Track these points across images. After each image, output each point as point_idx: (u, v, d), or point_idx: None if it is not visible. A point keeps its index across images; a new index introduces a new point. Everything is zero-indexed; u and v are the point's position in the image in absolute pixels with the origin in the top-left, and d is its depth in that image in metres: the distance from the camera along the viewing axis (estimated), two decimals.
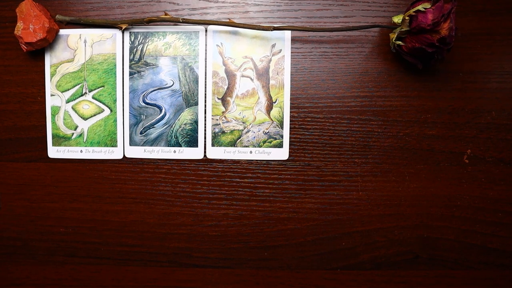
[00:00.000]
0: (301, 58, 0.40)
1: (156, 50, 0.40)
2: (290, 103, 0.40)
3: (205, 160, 0.41)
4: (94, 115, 0.41)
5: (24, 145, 0.41)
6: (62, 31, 0.40)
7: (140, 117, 0.40)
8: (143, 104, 0.40)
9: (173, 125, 0.40)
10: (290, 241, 0.41)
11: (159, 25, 0.40)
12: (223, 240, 0.41)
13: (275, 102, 0.40)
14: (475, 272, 0.41)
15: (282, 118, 0.40)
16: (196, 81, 0.40)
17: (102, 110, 0.41)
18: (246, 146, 0.40)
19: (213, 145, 0.40)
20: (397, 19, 0.37)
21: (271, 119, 0.40)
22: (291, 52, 0.40)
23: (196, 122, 0.40)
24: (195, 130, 0.40)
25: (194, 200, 0.41)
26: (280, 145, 0.40)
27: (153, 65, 0.40)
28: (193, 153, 0.40)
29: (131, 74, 0.40)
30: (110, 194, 0.41)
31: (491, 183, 0.40)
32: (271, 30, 0.38)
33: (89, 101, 0.41)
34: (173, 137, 0.40)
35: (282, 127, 0.40)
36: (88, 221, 0.41)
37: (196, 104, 0.40)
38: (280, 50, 0.40)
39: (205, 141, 0.40)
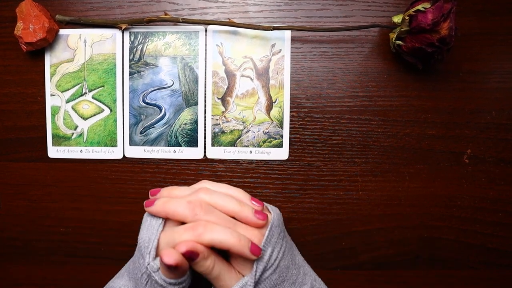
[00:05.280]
0: (301, 58, 0.40)
1: (156, 50, 0.40)
2: (290, 103, 0.40)
3: (205, 160, 0.41)
4: (94, 115, 0.41)
5: (24, 145, 0.41)
6: (62, 31, 0.40)
7: (140, 117, 0.40)
8: (143, 104, 0.40)
9: (173, 125, 0.40)
10: None
11: (159, 25, 0.40)
12: None
13: (275, 102, 0.40)
14: (475, 272, 0.41)
15: (282, 118, 0.40)
16: (196, 81, 0.40)
17: (102, 110, 0.41)
18: (246, 146, 0.40)
19: (213, 145, 0.40)
20: (397, 19, 0.37)
21: (271, 119, 0.40)
22: (291, 52, 0.40)
23: (196, 122, 0.40)
24: (195, 130, 0.40)
25: None
26: (280, 145, 0.40)
27: (153, 65, 0.40)
28: (193, 153, 0.40)
29: (131, 74, 0.40)
30: (110, 194, 0.41)
31: (491, 183, 0.40)
32: (271, 30, 0.38)
33: (89, 101, 0.41)
34: (173, 137, 0.40)
35: (282, 127, 0.40)
36: (88, 221, 0.41)
37: (196, 104, 0.40)
38: (280, 50, 0.40)
39: (205, 141, 0.40)
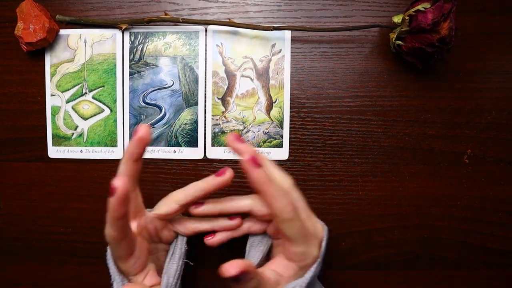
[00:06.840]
0: (301, 58, 0.40)
1: (156, 50, 0.40)
2: (290, 103, 0.40)
3: (205, 160, 0.41)
4: (94, 115, 0.41)
5: (24, 145, 0.41)
6: (62, 31, 0.40)
7: (140, 117, 0.40)
8: (143, 104, 0.40)
9: (173, 125, 0.40)
10: None
11: (159, 25, 0.40)
12: None
13: (275, 102, 0.40)
14: (475, 272, 0.41)
15: (282, 118, 0.40)
16: (196, 81, 0.40)
17: (102, 110, 0.41)
18: None
19: (213, 145, 0.40)
20: (397, 19, 0.37)
21: (271, 119, 0.40)
22: (291, 52, 0.40)
23: (196, 122, 0.40)
24: (195, 130, 0.40)
25: None
26: (280, 145, 0.40)
27: (153, 65, 0.40)
28: (193, 153, 0.40)
29: (131, 74, 0.40)
30: None
31: (491, 183, 0.40)
32: (271, 30, 0.38)
33: (89, 101, 0.41)
34: (173, 137, 0.40)
35: (282, 127, 0.40)
36: (88, 221, 0.41)
37: (196, 104, 0.40)
38: (280, 50, 0.40)
39: (205, 141, 0.40)
